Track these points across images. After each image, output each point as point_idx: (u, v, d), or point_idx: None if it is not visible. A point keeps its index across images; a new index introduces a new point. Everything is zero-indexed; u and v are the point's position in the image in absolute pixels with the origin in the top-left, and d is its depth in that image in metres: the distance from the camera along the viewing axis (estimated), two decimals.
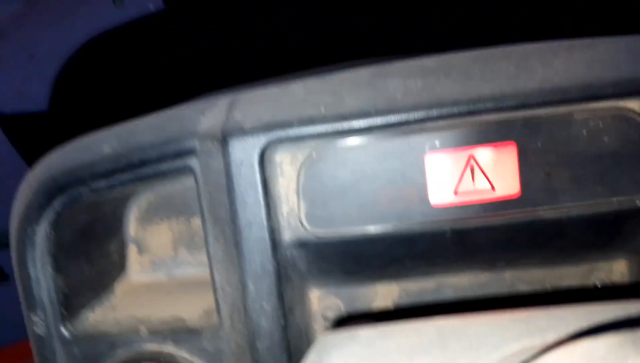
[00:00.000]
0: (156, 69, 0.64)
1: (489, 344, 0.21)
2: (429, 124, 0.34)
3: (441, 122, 0.33)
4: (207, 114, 0.38)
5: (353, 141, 0.34)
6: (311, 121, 0.34)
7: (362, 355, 0.22)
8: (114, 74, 0.69)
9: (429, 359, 0.21)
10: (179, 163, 0.36)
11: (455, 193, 0.34)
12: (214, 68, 0.60)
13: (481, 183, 0.34)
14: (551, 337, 0.20)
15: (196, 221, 0.42)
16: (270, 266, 0.35)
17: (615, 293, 0.38)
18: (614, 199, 0.33)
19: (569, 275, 0.39)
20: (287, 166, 0.35)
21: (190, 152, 0.36)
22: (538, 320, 0.21)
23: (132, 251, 0.44)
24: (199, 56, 0.61)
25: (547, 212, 0.34)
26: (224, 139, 0.35)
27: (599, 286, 0.38)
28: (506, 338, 0.21)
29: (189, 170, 0.36)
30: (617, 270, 0.38)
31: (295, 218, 0.35)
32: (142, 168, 0.37)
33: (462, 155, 0.34)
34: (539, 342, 0.20)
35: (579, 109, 0.32)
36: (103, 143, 0.39)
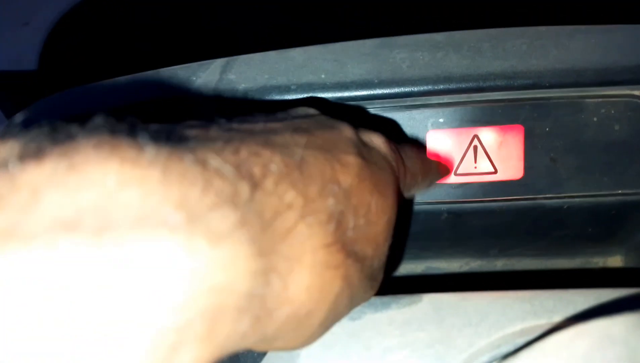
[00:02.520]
0: (149, 36, 0.61)
1: (490, 321, 0.19)
2: (434, 100, 0.32)
3: (447, 99, 0.32)
4: (200, 75, 0.36)
5: (352, 111, 0.33)
6: (311, 87, 0.33)
7: (349, 327, 0.20)
8: (106, 39, 0.67)
9: (423, 334, 0.19)
10: None
11: (455, 173, 0.32)
12: (209, 35, 0.58)
13: (483, 165, 0.32)
14: (558, 318, 0.18)
15: None
16: None
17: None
18: (619, 191, 0.32)
19: (562, 268, 0.38)
20: None
21: None
22: (544, 300, 0.19)
23: None
24: (195, 24, 0.59)
25: (548, 200, 0.33)
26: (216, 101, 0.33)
27: (593, 280, 0.36)
28: (509, 316, 0.19)
29: None
30: (612, 265, 0.37)
31: None
32: None
33: (466, 135, 0.32)
34: (545, 322, 0.18)
35: (592, 94, 0.31)
36: (91, 98, 0.37)
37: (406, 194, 0.24)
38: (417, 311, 0.20)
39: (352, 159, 0.19)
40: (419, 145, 0.27)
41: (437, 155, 0.30)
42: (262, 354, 0.24)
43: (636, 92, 0.31)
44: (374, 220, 0.19)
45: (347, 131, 0.21)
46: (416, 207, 0.34)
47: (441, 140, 0.32)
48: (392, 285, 0.37)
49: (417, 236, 0.36)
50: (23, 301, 0.10)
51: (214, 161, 0.14)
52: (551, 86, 0.31)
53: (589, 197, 0.33)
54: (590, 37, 0.31)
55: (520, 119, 0.32)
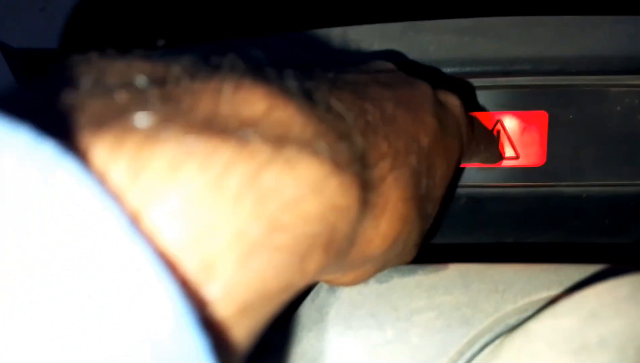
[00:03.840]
0: (166, 20, 0.62)
1: (516, 289, 0.19)
2: (459, 83, 0.32)
3: (472, 82, 0.32)
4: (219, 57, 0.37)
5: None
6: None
7: (377, 289, 0.20)
8: (121, 25, 0.68)
9: (450, 297, 0.19)
10: None
11: None
12: (222, 18, 0.58)
13: (506, 150, 0.32)
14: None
15: None
16: None
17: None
18: (639, 182, 0.32)
19: (577, 258, 0.38)
20: None
21: None
22: (570, 271, 0.20)
23: None
24: (207, 7, 0.59)
25: (568, 188, 0.33)
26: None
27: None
28: (535, 285, 0.19)
29: None
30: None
31: None
32: None
33: (490, 119, 0.32)
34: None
35: (616, 83, 0.31)
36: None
37: (465, 161, 0.25)
38: (444, 277, 0.20)
39: (430, 120, 0.20)
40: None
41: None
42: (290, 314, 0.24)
43: None
44: (438, 183, 0.20)
45: (426, 90, 0.21)
46: None
47: None
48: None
49: (435, 220, 0.36)
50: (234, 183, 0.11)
51: (335, 104, 0.15)
52: (576, 73, 0.31)
53: (608, 186, 0.33)
54: (617, 26, 0.31)
55: (544, 106, 0.32)
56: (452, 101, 0.23)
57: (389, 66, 0.23)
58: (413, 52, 0.32)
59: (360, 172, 0.15)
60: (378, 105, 0.17)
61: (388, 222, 0.17)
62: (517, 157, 0.32)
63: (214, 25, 0.55)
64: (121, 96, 0.11)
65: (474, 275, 0.20)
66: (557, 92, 0.32)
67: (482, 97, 0.32)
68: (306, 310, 0.20)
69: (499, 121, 0.32)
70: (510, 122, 0.32)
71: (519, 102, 0.32)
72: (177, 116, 0.12)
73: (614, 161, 0.32)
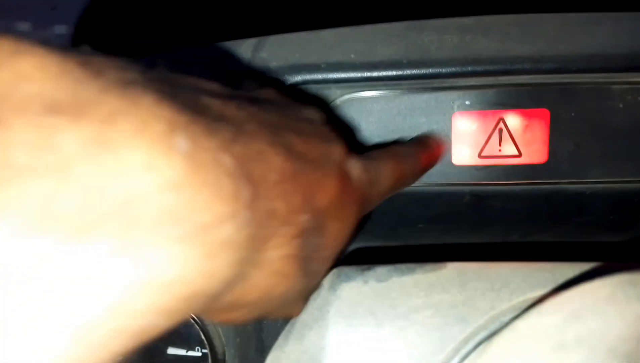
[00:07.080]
0: (177, 18, 0.62)
1: (511, 287, 0.20)
2: (461, 82, 0.33)
3: (474, 81, 0.32)
4: (232, 54, 0.37)
5: (380, 91, 0.34)
6: (340, 66, 0.33)
7: (376, 288, 0.21)
8: (131, 23, 0.68)
9: (447, 296, 0.20)
10: None
11: (480, 155, 0.33)
12: (237, 18, 0.59)
13: (508, 148, 0.33)
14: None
15: None
16: None
17: None
18: None
19: (579, 255, 0.38)
20: None
21: None
22: (565, 270, 0.20)
23: None
24: (222, 6, 0.60)
25: (571, 185, 0.33)
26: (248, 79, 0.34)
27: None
28: (531, 283, 0.20)
29: None
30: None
31: None
32: None
33: (492, 117, 0.33)
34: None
35: (618, 80, 0.31)
36: None
37: (372, 207, 0.26)
38: (441, 276, 0.21)
39: (332, 182, 0.20)
40: (398, 148, 0.29)
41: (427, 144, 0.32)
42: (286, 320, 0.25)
43: None
44: (329, 242, 0.20)
45: (337, 151, 0.21)
46: (439, 188, 0.34)
47: (467, 122, 0.33)
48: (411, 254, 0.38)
49: (438, 218, 0.36)
50: None
51: (226, 158, 0.14)
52: (578, 71, 0.31)
53: (611, 183, 0.33)
54: (618, 23, 0.31)
55: (546, 103, 0.32)
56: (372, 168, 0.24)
57: (315, 116, 0.23)
58: (415, 53, 0.33)
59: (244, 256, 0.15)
60: (286, 156, 0.17)
61: (265, 277, 0.17)
62: (519, 155, 0.33)
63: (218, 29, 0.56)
64: None
65: (470, 273, 0.21)
66: (559, 90, 0.32)
67: (483, 95, 0.33)
68: (309, 308, 0.21)
69: (501, 119, 0.33)
70: (512, 120, 0.32)
71: (520, 101, 0.32)
72: None
73: (617, 157, 0.32)
